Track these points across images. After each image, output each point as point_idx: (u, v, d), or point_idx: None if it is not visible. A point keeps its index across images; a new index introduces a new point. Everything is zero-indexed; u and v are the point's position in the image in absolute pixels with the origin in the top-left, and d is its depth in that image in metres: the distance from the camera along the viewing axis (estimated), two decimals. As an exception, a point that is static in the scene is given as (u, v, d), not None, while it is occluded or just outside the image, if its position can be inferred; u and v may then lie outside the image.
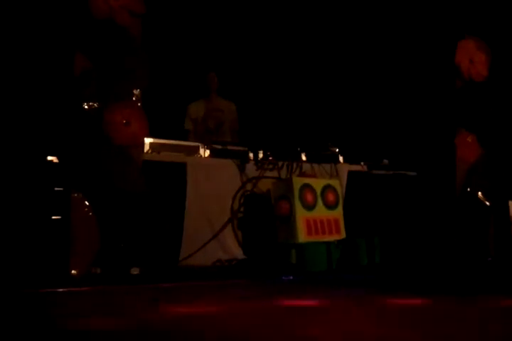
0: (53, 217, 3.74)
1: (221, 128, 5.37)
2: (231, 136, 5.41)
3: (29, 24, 3.68)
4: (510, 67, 5.23)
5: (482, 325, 2.33)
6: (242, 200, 4.62)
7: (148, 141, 4.31)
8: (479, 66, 5.22)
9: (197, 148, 4.56)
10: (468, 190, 5.22)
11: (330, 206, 4.61)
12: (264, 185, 4.67)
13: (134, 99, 4.01)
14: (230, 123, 5.45)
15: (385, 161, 5.39)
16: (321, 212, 4.53)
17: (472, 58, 5.21)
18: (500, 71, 5.27)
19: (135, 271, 3.95)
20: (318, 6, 6.05)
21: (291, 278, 4.00)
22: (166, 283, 3.62)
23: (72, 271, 3.67)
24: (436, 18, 5.35)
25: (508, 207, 5.21)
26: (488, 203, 5.23)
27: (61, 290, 3.23)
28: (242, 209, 4.61)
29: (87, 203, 3.86)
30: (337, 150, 5.04)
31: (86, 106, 3.92)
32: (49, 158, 3.88)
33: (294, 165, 4.83)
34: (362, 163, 5.21)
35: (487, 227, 5.22)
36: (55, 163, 3.90)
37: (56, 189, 3.81)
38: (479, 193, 5.24)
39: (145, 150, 4.27)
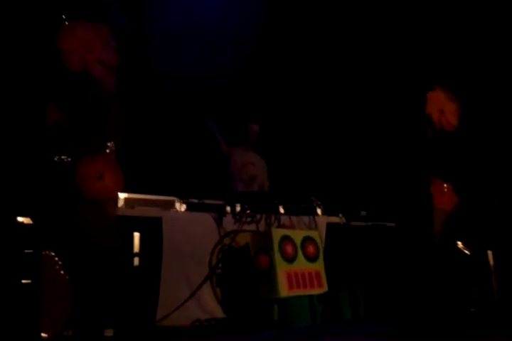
0: (23, 281, 3.54)
1: (254, 181, 5.26)
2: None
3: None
4: (480, 116, 5.35)
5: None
6: (220, 255, 4.48)
7: (122, 196, 4.20)
8: (449, 116, 5.31)
9: (173, 202, 4.45)
10: (447, 239, 5.18)
11: (310, 258, 4.50)
12: (243, 239, 4.54)
13: (107, 151, 3.91)
14: (262, 179, 5.36)
15: (363, 213, 5.35)
16: (301, 264, 4.40)
17: (442, 108, 5.30)
18: (470, 120, 5.37)
19: (109, 332, 3.74)
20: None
21: (275, 333, 3.83)
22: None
23: (43, 334, 3.43)
24: (404, 70, 5.48)
25: (487, 256, 5.19)
26: (468, 252, 5.18)
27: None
28: (220, 264, 4.46)
29: (58, 261, 3.67)
30: (319, 203, 4.99)
31: (58, 160, 3.80)
32: (19, 218, 3.71)
33: (272, 217, 4.74)
34: (340, 215, 5.16)
35: (469, 277, 5.16)
36: (26, 224, 3.72)
37: (26, 251, 3.62)
38: (459, 242, 5.20)
39: (119, 205, 4.14)
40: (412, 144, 5.51)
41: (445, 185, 5.29)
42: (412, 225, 5.32)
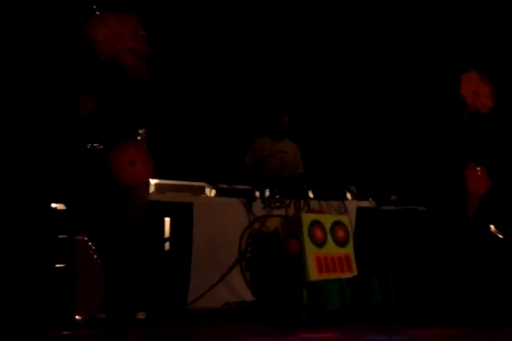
0: (57, 265, 3.65)
1: (284, 170, 5.30)
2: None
3: (33, 65, 3.69)
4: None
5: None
6: (249, 240, 4.53)
7: (153, 181, 4.27)
8: (484, 98, 5.21)
9: (203, 188, 4.50)
10: (480, 222, 5.12)
11: (340, 242, 4.51)
12: (272, 224, 4.57)
13: (139, 138, 3.99)
14: (292, 165, 5.39)
15: (393, 197, 5.30)
16: (331, 248, 4.42)
17: (476, 90, 5.20)
18: (505, 103, 5.26)
19: (141, 315, 3.85)
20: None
21: (305, 316, 3.88)
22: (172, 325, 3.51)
23: (77, 317, 3.56)
24: (439, 52, 5.38)
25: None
26: (501, 236, 5.12)
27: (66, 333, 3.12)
28: (249, 249, 4.51)
29: (91, 246, 3.78)
30: (354, 187, 4.96)
31: (91, 147, 3.89)
32: (53, 205, 3.82)
33: (302, 202, 4.75)
34: (370, 199, 5.13)
35: (502, 260, 5.09)
36: (59, 210, 3.82)
37: (60, 236, 3.73)
38: (492, 226, 5.13)
39: (150, 191, 4.22)
40: (445, 127, 5.43)
41: (479, 168, 5.21)
42: (444, 209, 5.26)
